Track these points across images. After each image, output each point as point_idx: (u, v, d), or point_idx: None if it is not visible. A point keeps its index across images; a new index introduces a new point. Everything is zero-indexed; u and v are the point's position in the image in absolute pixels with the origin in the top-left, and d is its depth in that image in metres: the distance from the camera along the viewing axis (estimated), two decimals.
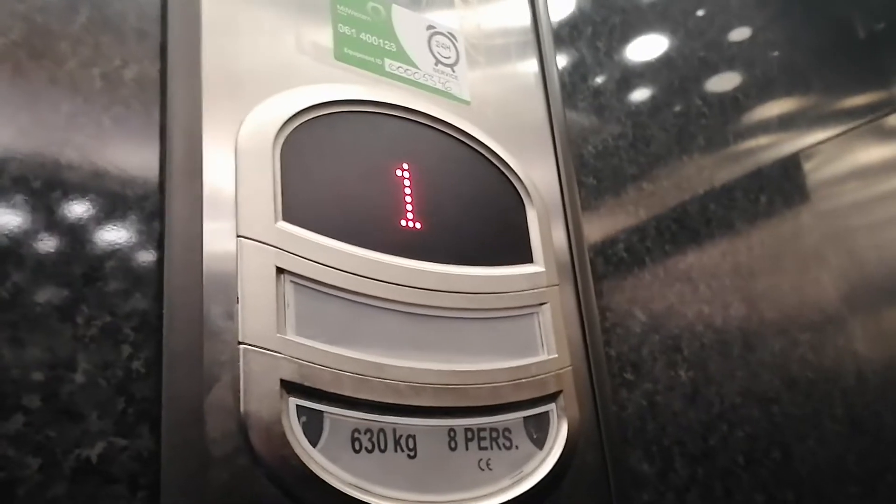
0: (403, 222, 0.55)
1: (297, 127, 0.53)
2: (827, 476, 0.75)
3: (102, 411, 0.42)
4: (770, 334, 0.78)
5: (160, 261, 0.47)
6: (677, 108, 0.85)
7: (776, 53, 0.99)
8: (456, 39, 0.67)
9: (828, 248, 0.89)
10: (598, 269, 0.68)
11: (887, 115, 1.00)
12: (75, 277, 0.43)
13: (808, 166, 0.94)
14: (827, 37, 1.06)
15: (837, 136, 0.98)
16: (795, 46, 1.01)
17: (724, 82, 0.91)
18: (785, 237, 0.86)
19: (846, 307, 0.87)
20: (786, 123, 0.95)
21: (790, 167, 0.92)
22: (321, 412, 0.47)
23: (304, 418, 0.46)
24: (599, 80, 0.79)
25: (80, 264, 0.44)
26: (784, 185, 0.89)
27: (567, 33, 0.79)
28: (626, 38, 0.83)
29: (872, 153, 1.00)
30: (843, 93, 1.04)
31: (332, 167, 0.54)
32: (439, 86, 0.63)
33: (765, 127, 0.93)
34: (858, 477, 0.78)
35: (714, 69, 0.91)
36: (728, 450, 0.69)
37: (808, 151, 0.95)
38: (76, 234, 0.44)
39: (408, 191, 0.57)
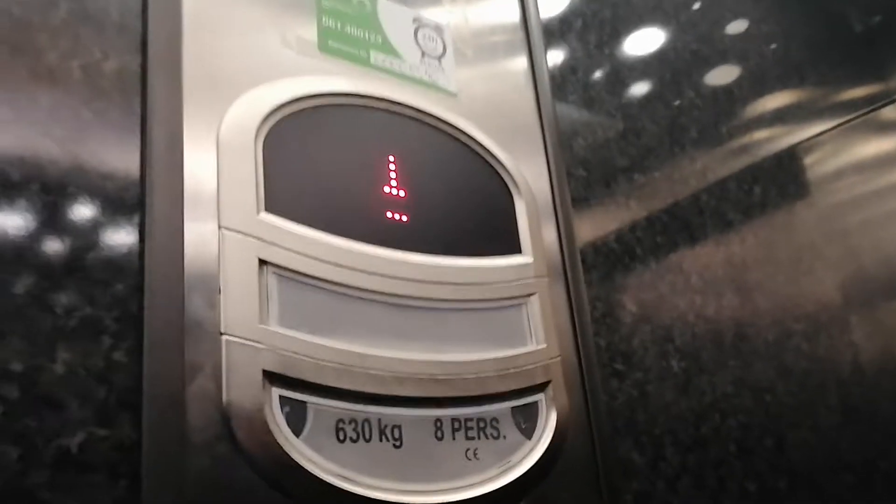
0: (389, 214, 0.55)
1: (280, 119, 0.53)
2: (821, 464, 0.75)
3: (83, 401, 0.42)
4: (764, 324, 0.78)
5: (141, 252, 0.47)
6: (669, 101, 0.84)
7: (773, 46, 0.98)
8: (442, 32, 0.67)
9: (823, 238, 0.89)
10: (588, 260, 0.68)
11: (883, 106, 0.99)
12: (55, 268, 0.43)
13: (802, 157, 0.93)
14: (822, 30, 1.06)
15: (833, 128, 0.97)
16: (790, 39, 1.00)
17: (716, 75, 0.91)
18: (778, 227, 0.85)
19: (842, 298, 0.86)
20: (780, 115, 0.95)
21: (784, 158, 0.91)
22: (304, 402, 0.47)
23: (286, 408, 0.46)
24: (589, 73, 0.79)
25: (61, 255, 0.44)
26: (778, 175, 0.89)
27: (557, 26, 0.79)
28: (617, 31, 0.83)
29: (868, 145, 0.99)
30: (839, 85, 1.03)
31: (316, 159, 0.54)
32: (426, 77, 0.63)
33: (759, 119, 0.92)
34: (853, 465, 0.77)
35: (707, 62, 0.91)
36: (720, 438, 0.69)
37: (803, 144, 0.95)
38: (56, 226, 0.44)
39: (394, 182, 0.56)
